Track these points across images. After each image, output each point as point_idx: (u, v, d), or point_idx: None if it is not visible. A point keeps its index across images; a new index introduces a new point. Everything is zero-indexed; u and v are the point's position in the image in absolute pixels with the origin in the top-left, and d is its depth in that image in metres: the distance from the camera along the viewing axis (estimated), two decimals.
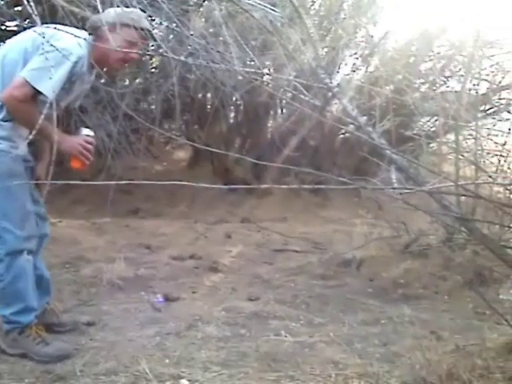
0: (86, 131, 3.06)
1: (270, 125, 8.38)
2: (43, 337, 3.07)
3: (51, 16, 5.78)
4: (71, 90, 3.04)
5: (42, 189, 3.25)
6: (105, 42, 2.93)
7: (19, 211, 3.02)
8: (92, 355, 3.02)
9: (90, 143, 3.01)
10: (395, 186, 3.52)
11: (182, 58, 4.79)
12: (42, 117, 2.29)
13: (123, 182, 2.69)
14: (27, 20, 6.25)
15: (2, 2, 7.06)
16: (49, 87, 2.80)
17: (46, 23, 3.02)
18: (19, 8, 6.56)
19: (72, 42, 2.91)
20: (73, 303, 3.85)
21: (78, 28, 3.25)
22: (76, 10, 4.94)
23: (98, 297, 4.02)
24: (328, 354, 3.08)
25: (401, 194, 3.00)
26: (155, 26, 6.94)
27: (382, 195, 4.62)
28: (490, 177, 3.47)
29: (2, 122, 2.95)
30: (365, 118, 4.69)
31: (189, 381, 2.74)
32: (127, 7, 3.30)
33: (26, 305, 3.05)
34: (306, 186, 6.31)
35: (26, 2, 2.52)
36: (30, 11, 2.61)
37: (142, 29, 3.00)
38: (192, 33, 5.50)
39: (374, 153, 4.69)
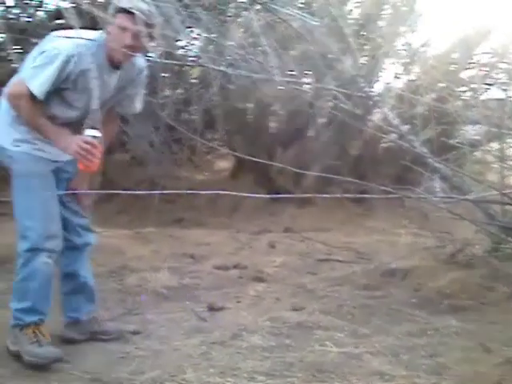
0: (90, 132, 3.00)
1: (311, 134, 8.35)
2: (39, 339, 3.10)
3: (93, 28, 5.87)
4: (80, 90, 3.06)
5: (81, 201, 3.33)
6: (108, 35, 3.00)
7: (41, 210, 3.09)
8: (138, 364, 3.05)
9: (90, 144, 2.96)
10: (439, 195, 3.50)
11: (222, 68, 4.83)
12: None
13: (167, 192, 2.72)
14: None
15: (44, 16, 7.19)
16: (37, 85, 2.92)
17: None
18: (61, 21, 6.68)
19: (64, 42, 2.98)
20: (118, 312, 3.89)
21: None
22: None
23: (142, 306, 4.05)
24: (374, 365, 3.06)
25: (445, 203, 2.98)
26: (195, 36, 7.02)
27: (426, 205, 4.57)
28: None
29: (18, 126, 3.05)
30: (406, 126, 4.68)
31: None
32: (166, 18, 3.36)
33: (33, 305, 3.12)
34: (349, 195, 6.27)
35: (66, 15, 2.58)
36: (72, 23, 2.68)
37: (129, 12, 2.95)
38: (231, 43, 5.53)
39: (416, 162, 4.67)
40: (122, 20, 2.98)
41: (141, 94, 3.38)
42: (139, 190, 5.75)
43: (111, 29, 2.99)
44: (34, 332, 3.11)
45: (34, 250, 3.07)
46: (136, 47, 3.05)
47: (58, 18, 6.81)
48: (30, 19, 7.17)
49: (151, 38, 3.10)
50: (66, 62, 2.94)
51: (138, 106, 3.41)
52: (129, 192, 2.53)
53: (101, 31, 3.09)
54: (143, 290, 4.29)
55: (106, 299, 4.06)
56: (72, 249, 3.33)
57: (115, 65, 3.09)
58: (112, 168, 7.09)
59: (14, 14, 7.21)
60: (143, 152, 7.00)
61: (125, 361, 3.11)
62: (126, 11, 2.96)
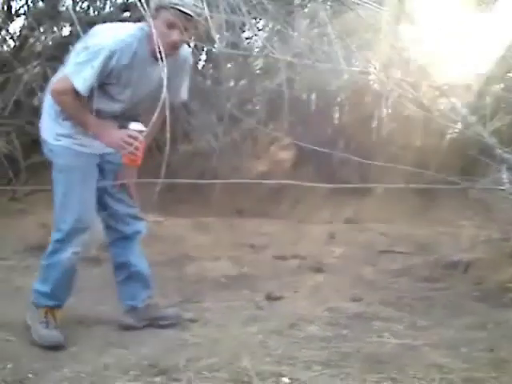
0: (134, 125, 3.04)
1: (375, 125, 8.27)
2: (48, 320, 3.22)
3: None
4: (124, 84, 3.09)
5: (129, 191, 3.38)
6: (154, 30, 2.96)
7: (77, 205, 3.16)
8: (195, 351, 3.06)
9: (134, 138, 2.99)
10: (507, 186, 3.42)
11: (288, 58, 4.81)
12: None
13: (227, 181, 2.72)
14: None
15: (112, 9, 7.28)
16: (81, 81, 2.96)
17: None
18: (128, 13, 6.75)
19: (106, 37, 3.02)
20: (176, 300, 3.93)
21: None
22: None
23: (201, 294, 4.08)
24: (432, 358, 3.00)
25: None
26: (261, 27, 7.02)
27: (491, 196, 4.48)
28: None
29: (61, 121, 3.10)
30: (474, 117, 4.58)
31: (290, 379, 2.73)
32: (233, 10, 3.35)
33: (51, 291, 3.24)
34: (412, 185, 6.19)
35: (139, 5, 2.60)
36: (143, 13, 2.71)
37: (179, 9, 2.95)
38: (297, 33, 5.50)
39: (483, 153, 4.57)
40: (169, 16, 2.97)
41: (186, 82, 3.39)
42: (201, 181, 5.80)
43: (157, 24, 2.94)
44: (45, 313, 3.24)
45: (63, 242, 3.17)
46: (182, 42, 3.09)
47: (126, 11, 6.88)
48: (97, 12, 7.26)
49: (197, 30, 3.15)
50: (109, 57, 2.97)
51: (184, 94, 3.42)
52: (190, 181, 2.56)
53: (142, 24, 3.10)
54: (202, 279, 4.31)
55: (165, 287, 4.11)
56: (122, 238, 3.41)
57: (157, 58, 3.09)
58: (175, 159, 7.15)
59: (83, 7, 7.32)
60: (206, 143, 7.02)
61: (182, 348, 3.13)
62: (173, 7, 2.96)
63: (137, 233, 3.44)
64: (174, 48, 3.04)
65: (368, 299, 3.97)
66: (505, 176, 3.58)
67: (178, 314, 3.55)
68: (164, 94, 2.53)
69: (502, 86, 6.17)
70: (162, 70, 2.90)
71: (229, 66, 7.60)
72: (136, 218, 3.44)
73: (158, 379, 2.72)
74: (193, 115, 7.07)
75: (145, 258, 3.52)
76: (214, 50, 6.52)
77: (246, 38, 7.11)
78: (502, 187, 3.40)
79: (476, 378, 2.72)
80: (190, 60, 3.39)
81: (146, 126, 2.98)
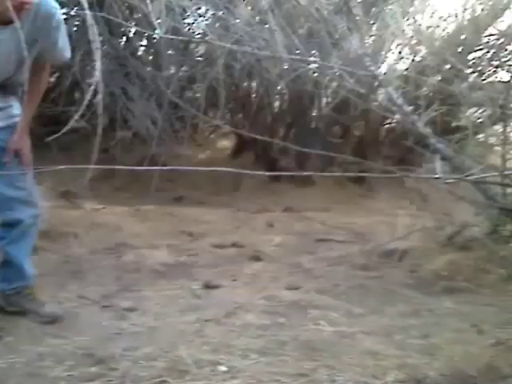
0: None
1: (314, 114, 8.33)
2: None
3: (98, 4, 5.86)
4: None
5: (23, 160, 3.17)
6: None
7: None
8: (132, 340, 3.05)
9: None
10: (439, 175, 3.49)
11: (228, 45, 4.80)
12: None
13: (166, 167, 2.71)
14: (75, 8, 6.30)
15: None
16: None
17: (94, 11, 3.04)
18: None
19: None
20: (114, 288, 3.90)
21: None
22: None
23: (139, 283, 4.06)
24: (367, 345, 3.06)
25: (445, 183, 2.96)
26: (201, 13, 6.99)
27: (427, 186, 4.57)
28: None
29: None
30: (410, 107, 4.66)
31: (227, 367, 2.75)
32: None
33: None
34: (348, 174, 6.28)
35: None
36: None
37: None
38: (238, 20, 5.50)
39: (419, 143, 4.65)
40: None
41: (61, 39, 3.12)
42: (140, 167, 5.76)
43: None
44: None
45: None
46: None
47: None
48: None
49: None
50: None
51: (64, 53, 3.18)
52: (128, 168, 2.50)
53: None
54: (140, 267, 4.29)
55: (103, 276, 4.09)
56: (3, 225, 3.22)
57: (5, 22, 2.82)
58: (114, 145, 7.09)
59: None
60: (146, 129, 6.97)
61: (119, 337, 3.11)
62: None
63: (19, 222, 3.21)
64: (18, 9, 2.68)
65: (305, 287, 4.00)
66: (438, 166, 3.66)
67: (54, 313, 3.35)
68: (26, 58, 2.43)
69: (439, 77, 6.29)
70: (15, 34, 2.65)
71: (169, 52, 7.54)
72: (25, 203, 3.19)
73: (94, 369, 2.70)
74: (132, 101, 7.01)
75: (27, 249, 3.37)
76: (153, 35, 6.48)
77: (187, 24, 7.08)
78: (436, 176, 3.47)
79: (409, 364, 2.77)
80: (56, 15, 3.05)
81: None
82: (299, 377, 2.68)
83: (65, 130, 2.28)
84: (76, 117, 2.54)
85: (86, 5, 2.55)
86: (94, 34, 2.50)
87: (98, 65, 2.81)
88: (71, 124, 2.30)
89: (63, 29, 3.13)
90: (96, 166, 2.47)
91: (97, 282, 3.72)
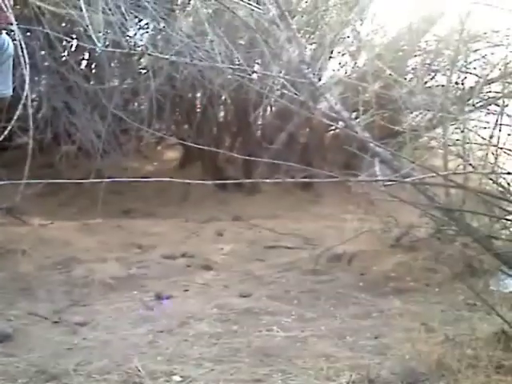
0: None
1: (259, 123, 8.38)
2: None
3: (37, 19, 5.80)
4: None
5: None
6: None
7: None
8: (85, 354, 3.03)
9: None
10: (379, 178, 3.56)
11: (169, 56, 4.81)
12: None
13: (111, 180, 2.71)
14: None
15: None
16: None
17: (33, 26, 3.02)
18: None
19: None
20: (65, 304, 3.86)
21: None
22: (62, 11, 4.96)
23: (90, 297, 4.03)
24: (319, 348, 3.10)
25: (385, 186, 3.02)
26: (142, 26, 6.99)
27: (372, 190, 4.64)
28: (473, 167, 3.50)
29: None
30: (348, 112, 4.72)
31: (181, 377, 2.75)
32: (112, 9, 3.31)
33: None
34: (293, 180, 6.33)
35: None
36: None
37: None
38: (178, 32, 5.51)
39: (363, 148, 4.72)
40: None
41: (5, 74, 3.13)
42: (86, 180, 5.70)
43: None
44: None
45: None
46: None
47: None
48: None
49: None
50: None
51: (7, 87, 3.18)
52: (74, 181, 2.48)
53: None
54: (90, 281, 4.26)
55: (53, 291, 4.04)
56: None
57: None
58: (58, 160, 7.03)
59: None
60: (90, 143, 6.92)
61: (72, 352, 3.09)
62: None
63: None
64: None
65: (256, 294, 4.03)
66: (378, 169, 3.73)
67: (3, 331, 3.27)
68: None
69: (379, 83, 6.39)
70: None
71: (112, 65, 7.51)
72: None
73: None
74: (75, 115, 6.96)
75: None
76: (95, 49, 6.45)
77: (129, 37, 7.06)
78: (375, 179, 3.53)
79: (361, 365, 2.82)
80: (8, 50, 3.11)
81: None
82: (254, 383, 2.71)
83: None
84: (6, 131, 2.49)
85: (13, 21, 2.52)
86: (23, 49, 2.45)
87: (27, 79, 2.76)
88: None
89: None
90: (40, 180, 2.47)
91: (47, 298, 3.69)
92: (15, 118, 2.21)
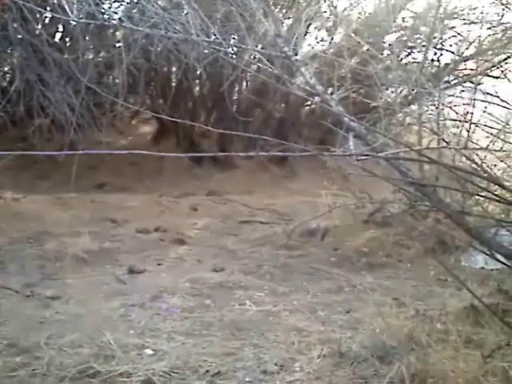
0: None
1: (235, 97, 8.35)
2: None
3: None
4: None
5: None
6: None
7: None
8: (57, 328, 3.02)
9: None
10: (352, 153, 3.55)
11: (144, 29, 4.76)
12: None
13: (85, 152, 2.68)
14: None
15: None
16: None
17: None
18: None
19: None
20: (37, 277, 3.84)
21: None
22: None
23: (62, 271, 4.01)
24: (292, 322, 3.12)
25: (359, 160, 3.02)
26: None
27: (346, 166, 4.64)
28: (447, 143, 3.51)
29: None
30: (324, 87, 4.71)
31: (153, 350, 2.76)
32: None
33: None
34: (266, 154, 6.32)
35: None
36: None
37: None
38: (154, 5, 5.45)
39: (338, 124, 4.71)
40: None
41: None
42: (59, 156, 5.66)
43: None
44: None
45: None
46: None
47: None
48: None
49: None
50: None
51: None
52: (48, 153, 2.43)
53: None
54: (63, 255, 4.23)
55: (25, 265, 4.02)
56: None
57: None
58: (32, 133, 6.95)
59: None
60: (64, 116, 6.85)
61: (44, 325, 3.07)
62: None
63: None
64: None
65: (229, 269, 4.04)
66: (351, 143, 3.73)
67: None
68: None
69: (356, 58, 6.39)
70: None
71: (86, 38, 7.42)
72: None
73: (18, 359, 2.67)
74: (49, 88, 6.88)
75: None
76: (70, 21, 6.36)
77: (104, 10, 6.97)
78: (348, 154, 3.53)
79: (333, 339, 2.83)
80: None
81: None
82: (226, 356, 2.71)
83: None
84: None
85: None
86: None
87: None
88: None
89: None
90: (13, 152, 2.43)
91: (19, 271, 3.67)
92: None
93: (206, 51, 6.18)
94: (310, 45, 7.54)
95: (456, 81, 6.74)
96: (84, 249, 4.31)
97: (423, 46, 6.44)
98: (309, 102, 8.03)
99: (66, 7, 3.19)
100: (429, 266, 4.01)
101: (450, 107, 5.07)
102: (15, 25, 6.64)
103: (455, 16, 6.70)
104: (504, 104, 3.56)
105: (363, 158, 2.89)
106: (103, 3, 6.79)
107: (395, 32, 7.53)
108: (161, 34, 5.17)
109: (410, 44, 7.35)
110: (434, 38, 5.47)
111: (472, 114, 3.94)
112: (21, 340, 2.85)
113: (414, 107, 5.97)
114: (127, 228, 5.07)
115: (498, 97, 3.75)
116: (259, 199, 6.30)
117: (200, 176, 7.38)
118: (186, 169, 7.43)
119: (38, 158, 6.71)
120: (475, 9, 6.69)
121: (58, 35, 7.78)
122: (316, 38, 7.72)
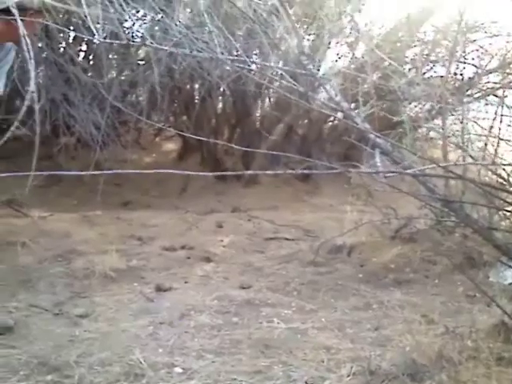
0: None
1: (258, 114, 8.39)
2: None
3: None
4: None
5: None
6: None
7: None
8: (86, 346, 3.03)
9: None
10: (379, 170, 3.55)
11: (167, 47, 4.79)
12: None
13: (111, 172, 2.70)
14: None
15: None
16: None
17: None
18: None
19: None
20: (66, 296, 3.86)
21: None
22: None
23: (90, 289, 4.02)
24: (320, 340, 3.11)
25: (386, 177, 3.02)
26: (140, 17, 6.96)
27: (372, 181, 4.64)
28: (473, 158, 3.50)
29: None
30: (348, 103, 4.72)
31: (182, 369, 2.76)
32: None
33: None
34: (291, 171, 6.34)
35: None
36: None
37: None
38: (177, 23, 5.49)
39: (362, 140, 4.72)
40: None
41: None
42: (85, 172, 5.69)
43: None
44: None
45: None
46: None
47: None
48: None
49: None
50: None
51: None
52: (73, 173, 2.46)
53: None
54: (90, 273, 4.25)
55: (53, 283, 4.03)
56: None
57: None
58: (57, 151, 7.02)
59: None
60: (89, 135, 6.91)
61: (73, 344, 3.08)
62: None
63: None
64: None
65: (256, 286, 4.04)
66: (378, 160, 3.73)
67: (5, 323, 3.28)
68: None
69: (378, 74, 6.40)
70: None
71: (109, 56, 7.50)
72: None
73: (49, 377, 2.68)
74: (74, 107, 6.95)
75: None
76: (93, 40, 6.43)
77: (126, 28, 7.03)
78: (375, 171, 3.53)
79: (362, 357, 2.83)
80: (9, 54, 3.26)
81: None
82: (255, 374, 2.72)
83: (5, 138, 2.27)
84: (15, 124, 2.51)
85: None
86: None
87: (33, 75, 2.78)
88: (10, 132, 2.28)
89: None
90: (39, 172, 2.45)
91: (47, 290, 3.69)
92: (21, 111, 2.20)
93: (229, 68, 6.21)
94: (332, 60, 7.56)
95: (479, 94, 6.72)
96: (111, 267, 4.32)
97: (446, 59, 6.44)
98: (331, 118, 8.05)
99: (92, 26, 3.22)
100: (456, 281, 3.98)
101: (475, 121, 5.07)
102: (40, 44, 6.72)
103: (477, 29, 6.69)
104: None
105: (391, 175, 2.89)
106: (126, 22, 6.87)
107: (417, 46, 7.54)
108: (184, 53, 5.22)
109: (432, 58, 7.34)
110: (457, 51, 5.47)
111: (499, 128, 3.94)
112: (51, 359, 2.86)
113: (437, 121, 5.96)
114: (153, 246, 5.08)
115: None
116: (284, 215, 6.30)
117: (224, 192, 7.40)
118: (209, 185, 7.46)
119: (63, 176, 6.77)
120: (497, 22, 6.69)
121: (82, 54, 7.87)
122: (338, 54, 7.75)
